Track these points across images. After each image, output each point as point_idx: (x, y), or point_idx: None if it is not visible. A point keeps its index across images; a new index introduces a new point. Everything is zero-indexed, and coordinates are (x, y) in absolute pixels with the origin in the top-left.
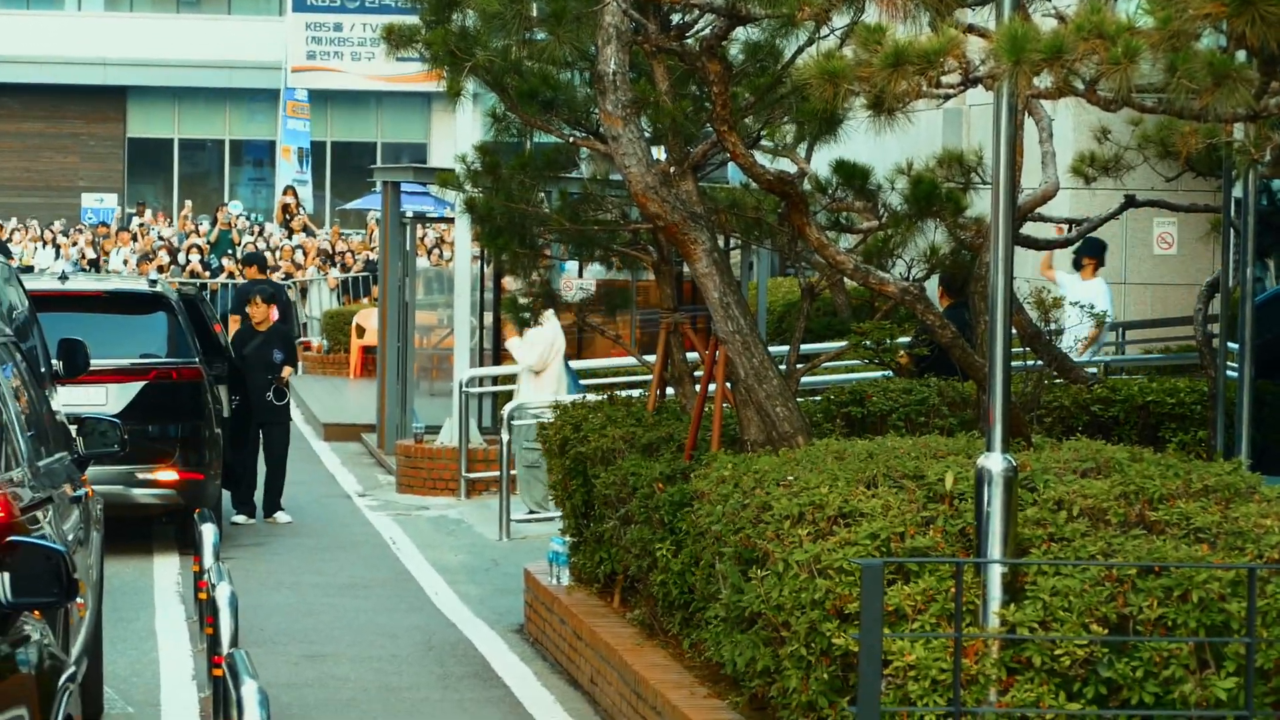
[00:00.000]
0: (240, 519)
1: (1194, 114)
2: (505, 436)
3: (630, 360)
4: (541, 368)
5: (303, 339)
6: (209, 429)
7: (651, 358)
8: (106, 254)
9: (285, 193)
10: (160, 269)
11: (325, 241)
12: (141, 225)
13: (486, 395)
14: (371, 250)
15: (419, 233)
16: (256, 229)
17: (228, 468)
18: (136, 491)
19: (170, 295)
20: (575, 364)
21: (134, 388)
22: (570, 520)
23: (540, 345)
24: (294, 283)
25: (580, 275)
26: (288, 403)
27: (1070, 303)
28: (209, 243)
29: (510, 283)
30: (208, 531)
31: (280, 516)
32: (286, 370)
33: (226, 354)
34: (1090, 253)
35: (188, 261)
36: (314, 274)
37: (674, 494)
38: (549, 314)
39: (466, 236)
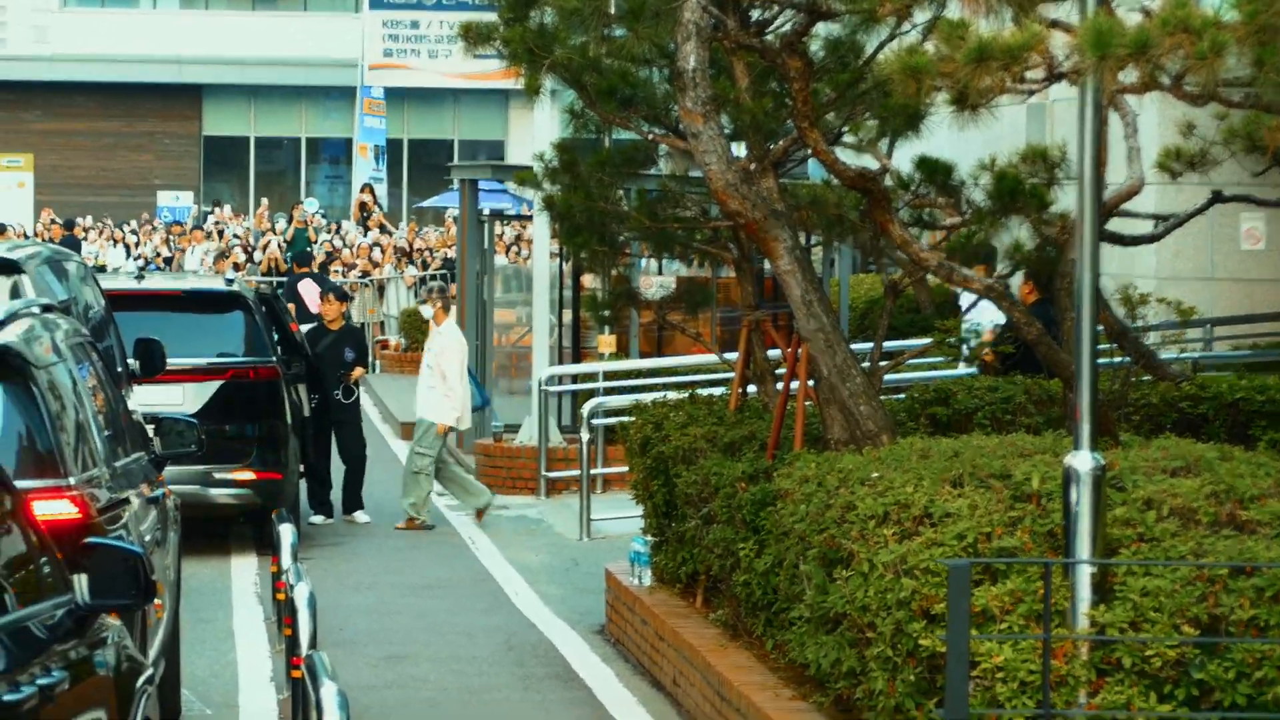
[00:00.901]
0: (318, 520)
1: None
2: (585, 435)
3: (711, 358)
4: (460, 389)
5: (380, 337)
6: (286, 428)
7: (733, 356)
8: (182, 252)
9: (362, 190)
10: (236, 267)
11: (402, 239)
12: (217, 224)
13: (566, 394)
14: (449, 249)
15: (497, 230)
16: (333, 227)
17: (310, 467)
18: (214, 491)
19: (247, 294)
20: (655, 361)
21: (211, 387)
22: (652, 520)
23: (459, 350)
24: (371, 280)
25: (660, 273)
26: (356, 400)
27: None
28: (286, 241)
29: (589, 280)
30: (285, 531)
31: (359, 516)
32: (357, 371)
33: (304, 353)
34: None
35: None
36: (391, 271)
37: (757, 493)
38: (450, 320)
39: (545, 234)
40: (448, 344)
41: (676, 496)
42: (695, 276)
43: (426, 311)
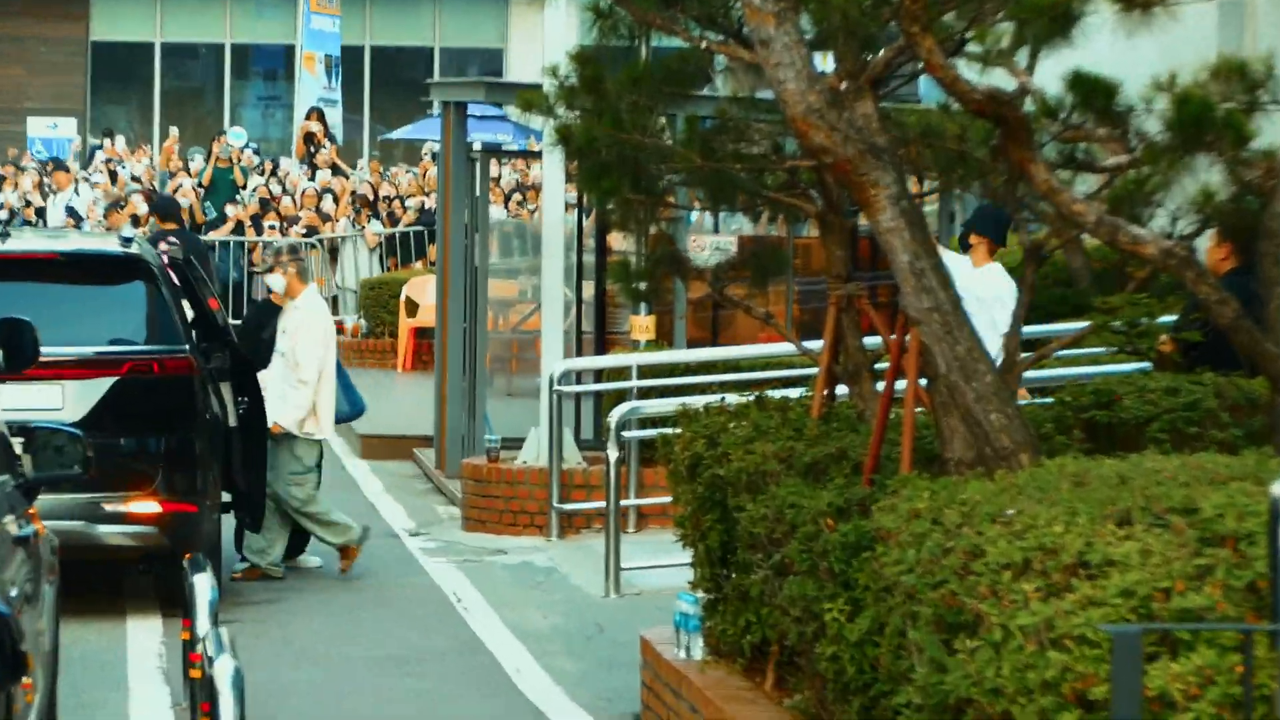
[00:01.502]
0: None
1: None
2: (613, 454)
3: (786, 348)
4: (313, 377)
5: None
6: (204, 442)
7: (816, 344)
8: (59, 198)
9: (308, 117)
10: (136, 221)
11: (363, 184)
12: (109, 162)
13: (587, 396)
14: (427, 196)
15: (492, 172)
16: (268, 167)
17: (238, 496)
18: (104, 529)
19: (150, 258)
20: (709, 352)
21: (101, 386)
22: (704, 569)
23: (318, 329)
24: (319, 240)
25: (716, 231)
26: None
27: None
28: (202, 185)
29: (619, 241)
30: (203, 584)
31: (305, 560)
32: None
33: (229, 339)
34: (984, 228)
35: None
36: (347, 228)
37: (849, 533)
38: (309, 291)
39: (559, 178)
40: (305, 321)
41: (738, 538)
42: (764, 236)
43: (275, 282)
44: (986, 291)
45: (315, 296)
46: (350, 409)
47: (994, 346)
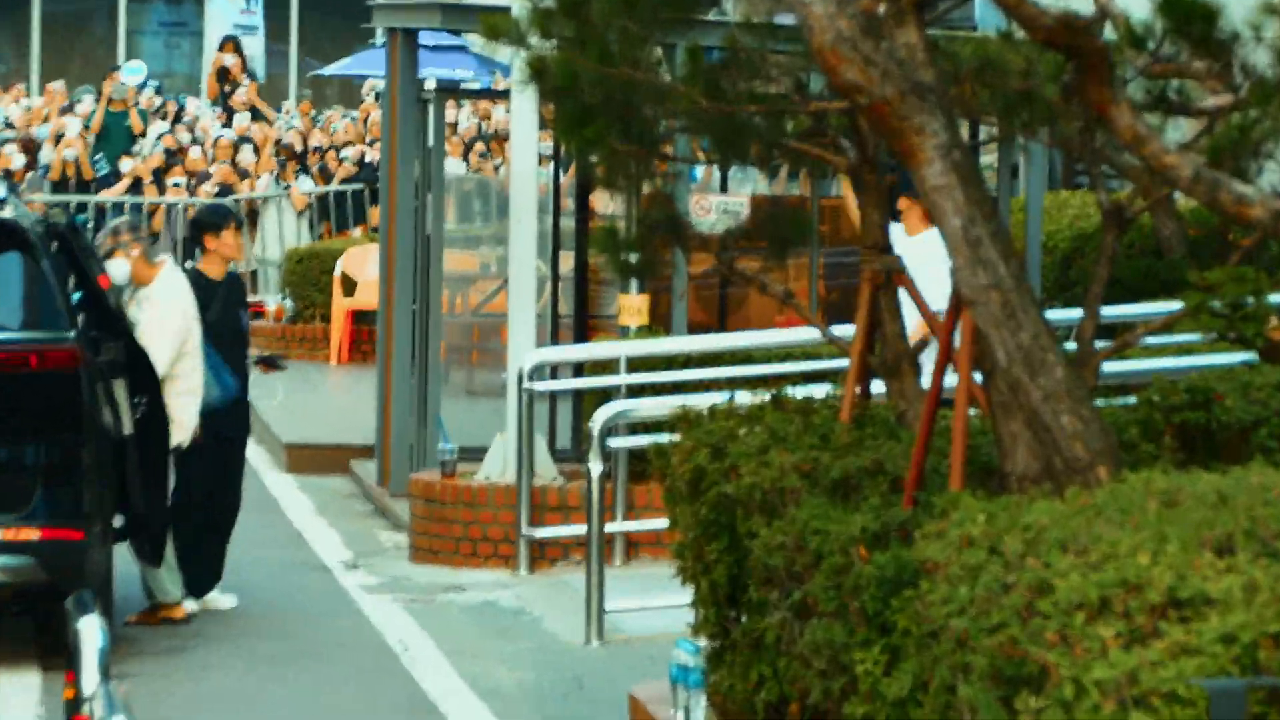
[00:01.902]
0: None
1: None
2: (596, 467)
3: (809, 334)
4: (172, 368)
5: (252, 299)
6: (92, 453)
7: (846, 330)
8: None
9: (222, 48)
10: (10, 178)
11: (289, 131)
12: None
13: (564, 395)
14: (368, 147)
15: (449, 116)
16: (172, 109)
17: (135, 519)
18: None
19: (27, 223)
20: (715, 339)
21: None
22: (708, 611)
23: (172, 322)
24: (235, 201)
25: (724, 190)
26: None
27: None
28: (91, 132)
29: (605, 202)
30: (90, 630)
31: (217, 600)
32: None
33: (124, 327)
34: (913, 190)
35: (60, 166)
36: (270, 186)
37: (886, 566)
38: (164, 273)
39: (531, 123)
40: (160, 313)
41: (750, 571)
42: (783, 196)
43: (118, 270)
44: (923, 265)
45: (171, 278)
46: (221, 393)
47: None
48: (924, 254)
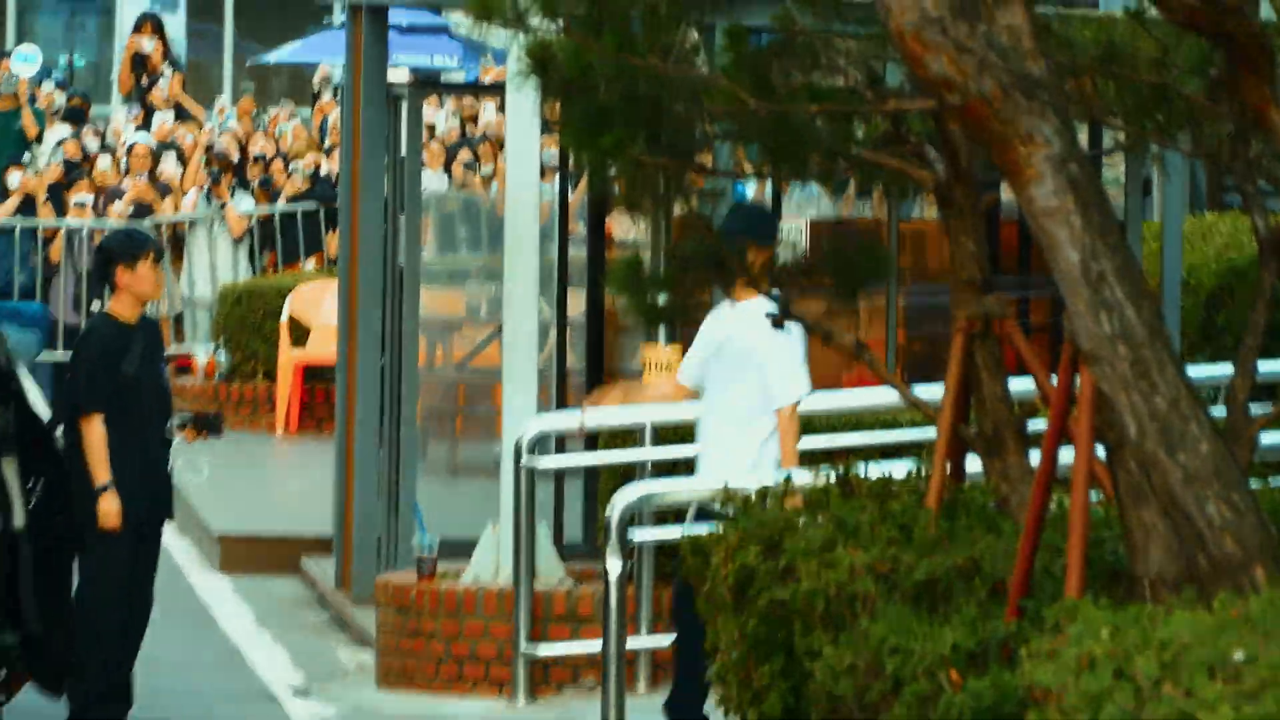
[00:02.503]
0: None
1: None
2: (614, 565)
3: (886, 396)
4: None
5: (172, 351)
6: None
7: (934, 391)
8: None
9: (138, 29)
10: None
11: (224, 135)
12: None
13: (573, 474)
14: (325, 155)
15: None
16: (76, 105)
17: (29, 638)
18: None
19: None
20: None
21: None
22: None
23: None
24: (155, 225)
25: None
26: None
27: None
28: None
29: (623, 228)
30: None
31: None
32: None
33: (13, 387)
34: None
35: None
36: (200, 206)
37: (984, 694)
38: None
39: (532, 126)
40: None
41: (811, 700)
42: (852, 220)
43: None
44: (749, 339)
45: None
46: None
47: (763, 428)
48: (751, 326)
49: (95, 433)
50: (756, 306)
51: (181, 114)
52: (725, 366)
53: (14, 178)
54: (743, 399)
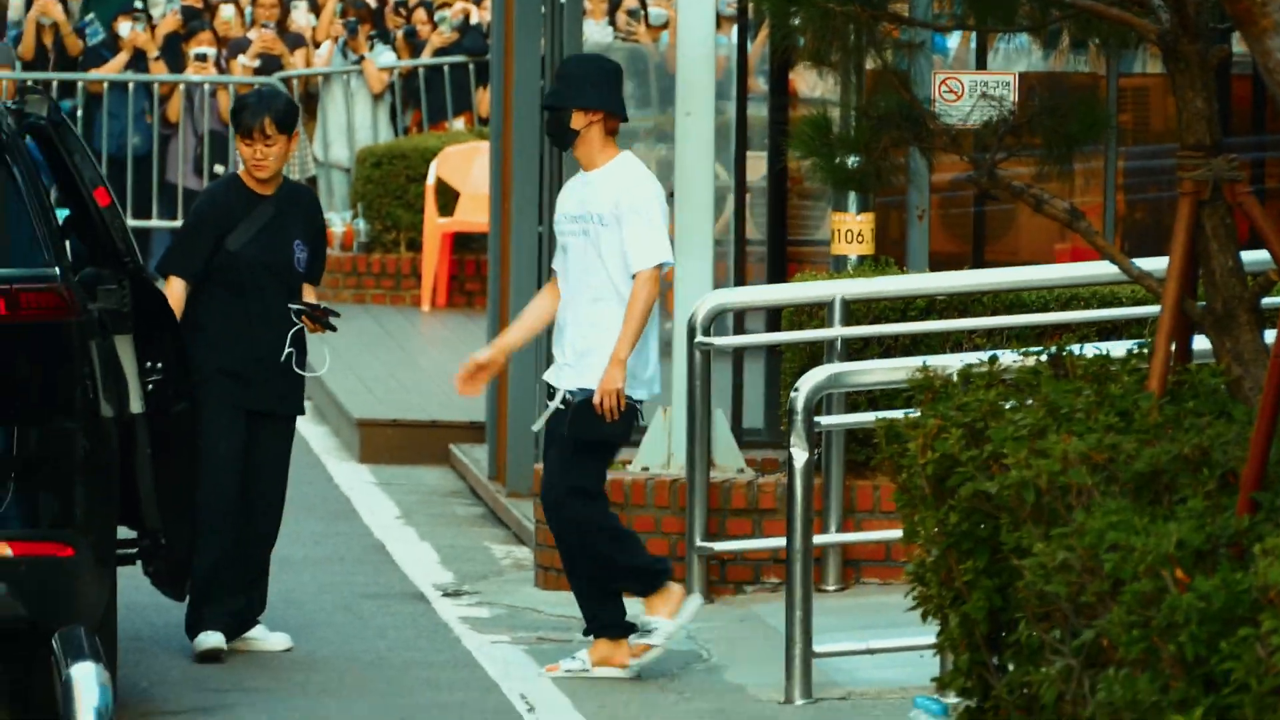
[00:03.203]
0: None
1: None
2: (800, 454)
3: (1103, 269)
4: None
5: None
6: (88, 441)
7: (1158, 264)
8: None
9: None
10: None
11: None
12: None
13: (754, 354)
14: (474, 4)
15: None
16: None
17: (149, 532)
18: None
19: None
20: (969, 276)
21: None
22: (959, 656)
23: None
24: (283, 80)
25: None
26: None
27: None
28: None
29: (811, 83)
30: (85, 680)
31: (263, 640)
32: (310, 291)
33: (132, 260)
34: (574, 96)
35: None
36: (334, 59)
37: (1213, 595)
38: None
39: None
40: None
41: (1019, 601)
42: (1065, 75)
43: None
44: (604, 205)
45: None
46: None
47: (612, 315)
48: (607, 192)
49: (172, 297)
50: (619, 168)
51: None
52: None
53: (124, 27)
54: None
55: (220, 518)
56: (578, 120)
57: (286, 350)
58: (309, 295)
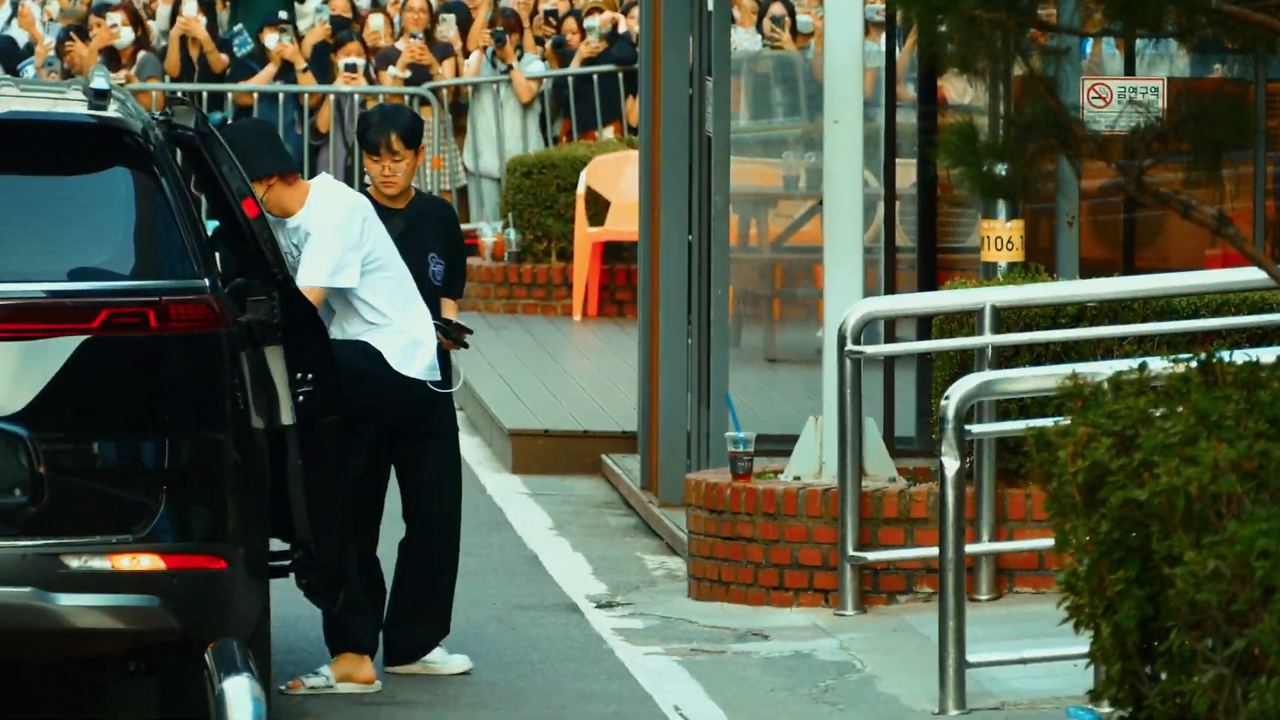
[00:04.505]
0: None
1: None
2: (952, 463)
3: (1253, 275)
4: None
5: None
6: (239, 453)
7: None
8: None
9: None
10: (113, 59)
11: None
12: None
13: (905, 362)
14: (622, 13)
15: None
16: None
17: (301, 543)
18: (66, 601)
19: (139, 127)
20: (1118, 284)
21: (58, 351)
22: (1111, 666)
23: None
24: (432, 90)
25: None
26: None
27: None
28: None
29: (960, 90)
30: (239, 695)
31: (443, 661)
32: (449, 308)
33: (281, 273)
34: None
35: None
36: (484, 69)
37: None
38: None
39: None
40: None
41: (1171, 610)
42: (1214, 82)
43: None
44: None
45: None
46: None
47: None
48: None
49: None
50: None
51: None
52: None
53: (270, 39)
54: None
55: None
56: (259, 189)
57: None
58: (448, 311)
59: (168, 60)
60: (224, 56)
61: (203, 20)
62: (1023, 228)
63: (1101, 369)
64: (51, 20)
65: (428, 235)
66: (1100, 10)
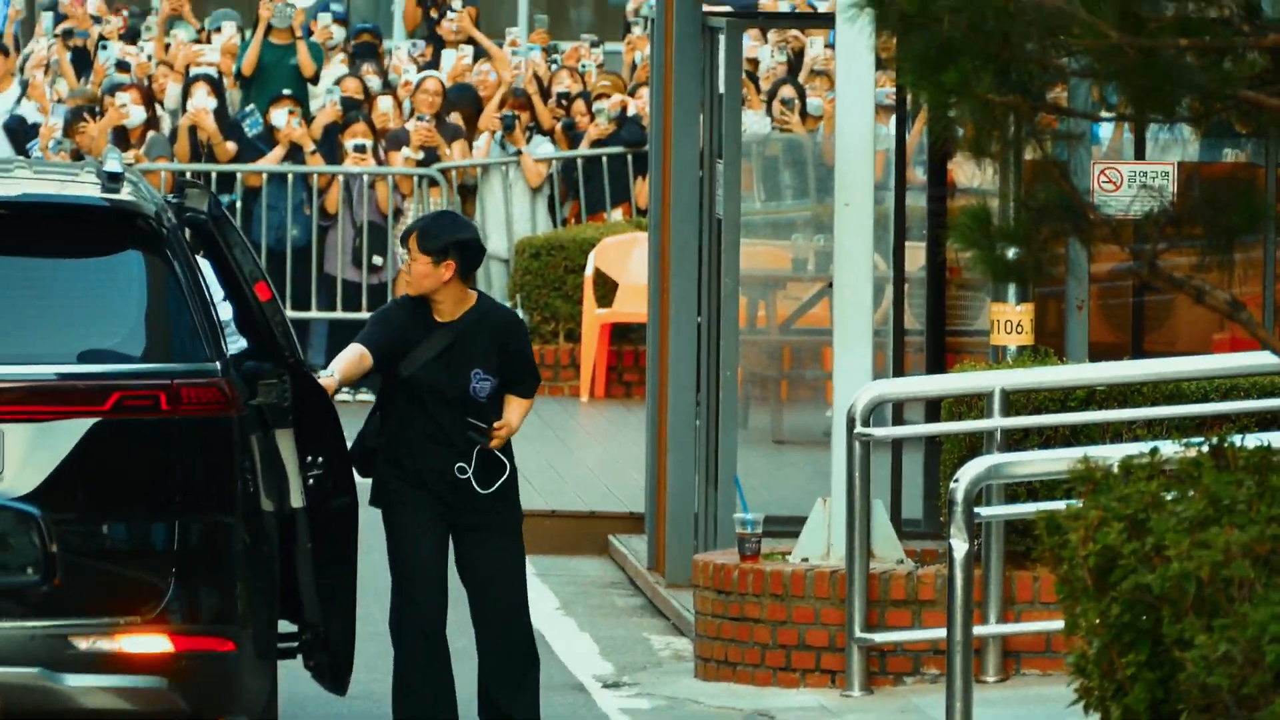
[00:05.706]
0: None
1: None
2: (960, 545)
3: (1264, 359)
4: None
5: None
6: (249, 535)
7: None
8: None
9: None
10: (122, 138)
11: (519, 72)
12: (72, 34)
13: (913, 445)
14: (631, 96)
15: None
16: (366, 40)
17: (309, 625)
18: (76, 682)
19: (152, 209)
20: (1128, 367)
21: (69, 433)
22: None
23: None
24: (441, 172)
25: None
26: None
27: None
28: (240, 76)
29: (970, 174)
30: None
31: None
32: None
33: (291, 355)
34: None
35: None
36: (493, 151)
37: None
38: None
39: (864, 63)
40: None
41: (1182, 694)
42: (1225, 165)
43: None
44: None
45: None
46: None
47: None
48: None
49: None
50: None
51: (474, 50)
52: None
53: (278, 116)
54: None
55: (406, 621)
56: None
57: (457, 465)
58: (511, 409)
59: (177, 147)
60: (230, 146)
61: (213, 103)
62: (1032, 311)
63: (1112, 453)
64: (60, 101)
65: (475, 350)
66: (1118, 95)
